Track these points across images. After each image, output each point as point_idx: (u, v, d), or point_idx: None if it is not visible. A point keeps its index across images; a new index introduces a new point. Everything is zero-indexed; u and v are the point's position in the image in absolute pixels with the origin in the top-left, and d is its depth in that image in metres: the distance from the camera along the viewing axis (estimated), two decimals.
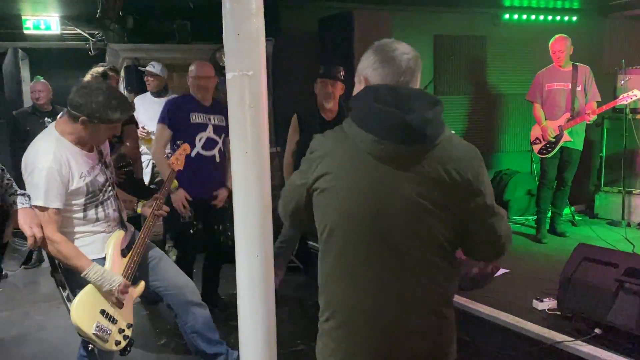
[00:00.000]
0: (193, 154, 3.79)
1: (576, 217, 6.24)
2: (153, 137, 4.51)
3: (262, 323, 2.10)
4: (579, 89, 5.30)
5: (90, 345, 2.52)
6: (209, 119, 3.94)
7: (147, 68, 5.07)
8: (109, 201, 2.69)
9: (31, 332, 3.99)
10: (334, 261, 1.58)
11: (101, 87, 2.57)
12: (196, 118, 3.90)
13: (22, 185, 2.68)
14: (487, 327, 3.59)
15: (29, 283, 5.10)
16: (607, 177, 6.20)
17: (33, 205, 2.44)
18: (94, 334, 2.44)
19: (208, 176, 3.91)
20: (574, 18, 7.24)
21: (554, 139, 5.32)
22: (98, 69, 4.17)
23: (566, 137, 5.30)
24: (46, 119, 5.38)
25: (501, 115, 7.14)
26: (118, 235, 2.70)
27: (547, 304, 3.68)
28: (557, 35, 5.37)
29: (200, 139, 3.88)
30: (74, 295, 2.51)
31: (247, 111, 2.00)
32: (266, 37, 2.04)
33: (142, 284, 2.74)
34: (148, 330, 3.97)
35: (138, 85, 5.43)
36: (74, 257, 2.48)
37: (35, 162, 2.45)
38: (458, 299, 3.68)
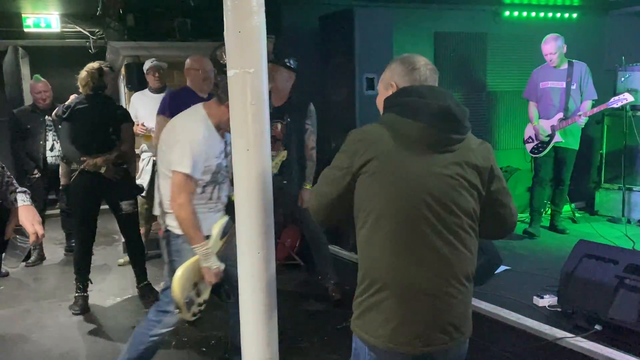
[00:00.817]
0: None
1: (576, 214, 6.25)
2: (153, 133, 4.51)
3: (263, 320, 2.11)
4: (573, 87, 5.22)
5: (174, 310, 2.67)
6: None
7: (154, 64, 5.08)
8: (224, 185, 2.86)
9: (32, 330, 4.00)
10: (385, 240, 1.72)
11: None
12: None
13: (22, 183, 2.68)
14: (487, 323, 3.60)
15: (30, 281, 5.10)
16: (608, 174, 6.21)
17: (173, 171, 2.60)
18: (184, 302, 2.62)
19: None
20: (574, 15, 7.23)
21: (547, 139, 5.30)
22: (94, 65, 4.22)
23: (557, 137, 5.26)
24: (46, 117, 5.38)
25: (502, 112, 7.13)
26: (224, 220, 2.82)
27: (547, 300, 3.69)
28: (547, 36, 5.26)
29: None
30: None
31: (249, 108, 2.00)
32: (267, 34, 2.04)
33: (222, 266, 2.79)
34: None
35: (139, 83, 5.42)
36: (194, 228, 2.62)
37: (184, 133, 2.67)
38: None
